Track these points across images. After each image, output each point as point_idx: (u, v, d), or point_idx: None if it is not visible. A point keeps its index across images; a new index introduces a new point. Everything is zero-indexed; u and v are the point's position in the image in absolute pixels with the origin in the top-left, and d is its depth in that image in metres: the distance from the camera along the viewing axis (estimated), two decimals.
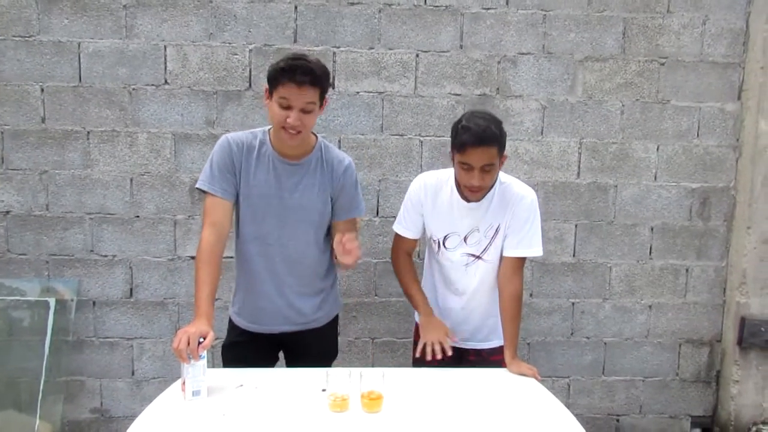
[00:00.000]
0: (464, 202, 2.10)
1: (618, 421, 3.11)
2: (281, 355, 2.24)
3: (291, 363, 2.19)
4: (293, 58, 1.85)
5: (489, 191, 2.09)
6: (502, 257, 2.15)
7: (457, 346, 2.23)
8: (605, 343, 3.05)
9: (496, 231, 2.11)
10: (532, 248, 2.12)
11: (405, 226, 2.23)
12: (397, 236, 2.27)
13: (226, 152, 1.97)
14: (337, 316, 2.26)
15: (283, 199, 1.98)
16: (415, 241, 2.25)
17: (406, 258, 2.28)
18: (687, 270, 3.03)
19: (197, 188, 1.99)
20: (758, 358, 2.97)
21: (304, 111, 1.84)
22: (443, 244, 2.16)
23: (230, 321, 2.20)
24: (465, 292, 2.20)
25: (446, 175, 2.17)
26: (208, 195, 1.97)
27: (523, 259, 2.15)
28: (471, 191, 2.01)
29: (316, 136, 2.07)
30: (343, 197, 2.05)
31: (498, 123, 1.98)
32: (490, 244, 2.13)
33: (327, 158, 2.04)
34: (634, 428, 3.12)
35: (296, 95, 1.82)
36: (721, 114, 2.95)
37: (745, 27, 2.90)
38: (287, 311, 2.07)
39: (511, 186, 2.13)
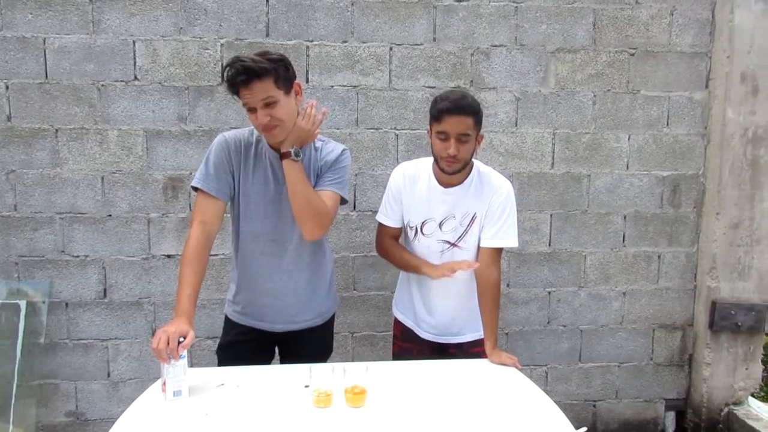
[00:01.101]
0: (441, 188, 2.12)
1: (595, 406, 3.17)
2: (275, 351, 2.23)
3: (286, 360, 2.17)
4: (230, 64, 1.80)
5: (467, 176, 2.11)
6: (479, 248, 2.16)
7: (436, 340, 2.26)
8: (581, 331, 3.10)
9: (472, 219, 2.12)
10: (508, 239, 2.14)
11: (386, 215, 2.25)
12: (381, 225, 2.29)
13: (223, 151, 1.94)
14: (334, 314, 2.25)
15: (282, 195, 1.95)
16: (399, 229, 2.26)
17: (391, 240, 2.29)
18: (659, 256, 3.09)
19: (192, 186, 1.96)
20: (729, 341, 3.05)
21: (267, 105, 1.81)
22: (421, 230, 2.17)
23: (227, 320, 2.16)
24: (441, 281, 2.18)
25: (425, 163, 2.19)
26: (200, 193, 1.94)
27: (499, 250, 2.17)
28: (447, 162, 2.00)
29: None
30: (325, 174, 2.00)
31: (475, 99, 2.01)
32: (465, 232, 2.14)
33: (321, 148, 2.02)
34: (610, 413, 3.18)
35: (249, 96, 1.80)
36: (689, 103, 3.01)
37: (711, 17, 2.96)
38: (291, 308, 2.06)
39: (489, 176, 2.15)
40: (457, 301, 2.22)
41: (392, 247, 2.28)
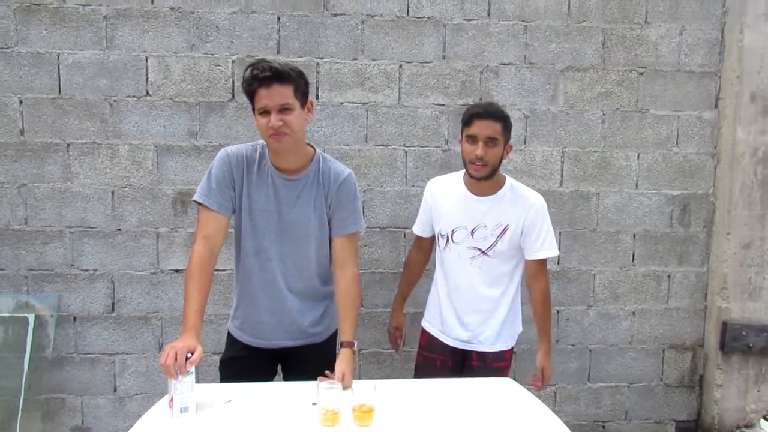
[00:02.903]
0: (473, 196, 2.20)
1: (604, 427, 3.13)
2: (278, 368, 2.22)
3: (289, 377, 2.16)
4: (253, 64, 1.83)
5: (500, 188, 2.20)
6: (514, 257, 2.25)
7: (461, 347, 2.30)
8: (590, 350, 3.07)
9: (504, 230, 2.19)
10: (552, 250, 2.26)
11: (417, 224, 2.46)
12: (415, 236, 2.51)
13: (225, 166, 1.94)
14: (336, 331, 2.22)
15: (282, 215, 1.96)
16: (428, 240, 2.44)
17: (413, 255, 2.55)
18: (669, 276, 3.07)
19: (194, 200, 1.96)
20: (740, 362, 3.01)
21: (282, 110, 1.81)
22: (452, 238, 2.24)
23: (229, 335, 2.16)
24: (470, 287, 2.25)
25: (457, 175, 2.29)
26: (203, 208, 1.93)
27: (544, 261, 2.27)
28: (475, 167, 2.11)
29: (315, 150, 2.03)
30: (339, 212, 2.01)
31: (504, 109, 2.16)
32: (496, 242, 2.20)
33: (324, 171, 2.00)
34: None
35: (267, 97, 1.79)
36: (699, 122, 3.00)
37: (720, 37, 2.96)
38: (288, 326, 2.05)
39: (521, 190, 2.24)
40: (485, 308, 2.27)
41: (409, 264, 2.58)
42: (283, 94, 1.80)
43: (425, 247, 2.50)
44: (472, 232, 2.21)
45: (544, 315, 2.33)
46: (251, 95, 1.84)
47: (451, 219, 2.25)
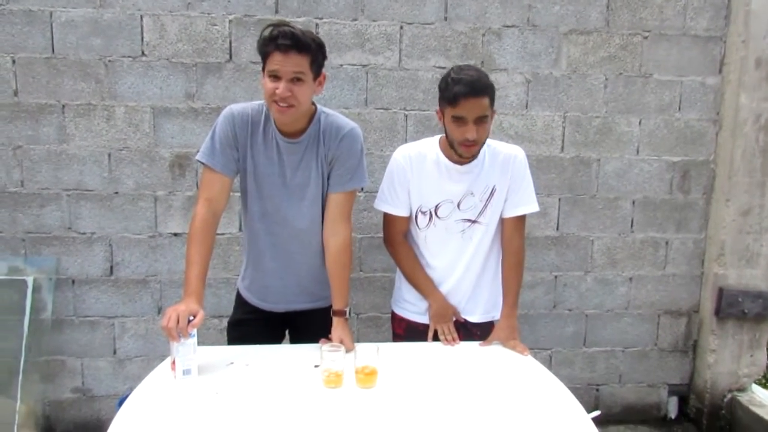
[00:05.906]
0: (456, 166, 2.05)
1: (598, 390, 3.18)
2: (286, 334, 2.22)
3: (296, 342, 2.16)
4: (276, 24, 1.75)
5: (480, 151, 2.04)
6: (501, 219, 2.13)
7: (462, 321, 2.20)
8: (587, 315, 3.10)
9: (492, 193, 2.08)
10: (530, 205, 2.13)
11: (392, 204, 2.13)
12: (388, 217, 2.18)
13: (229, 126, 1.89)
14: None
15: (286, 178, 1.93)
16: (408, 219, 2.16)
17: (402, 241, 2.20)
18: (667, 242, 3.08)
19: (197, 160, 1.93)
20: (734, 328, 3.05)
21: (294, 81, 1.75)
22: (435, 213, 2.10)
23: (238, 296, 2.16)
24: (462, 259, 2.14)
25: (428, 144, 2.12)
26: (206, 168, 1.90)
27: (523, 218, 2.15)
28: (466, 147, 1.94)
29: (316, 107, 1.96)
30: (339, 167, 1.94)
31: (486, 75, 1.94)
32: (485, 206, 2.08)
33: (326, 128, 1.93)
34: (613, 397, 3.19)
35: (282, 63, 1.73)
36: (702, 88, 2.97)
37: (727, 0, 2.91)
38: (295, 289, 2.05)
39: (499, 147, 2.10)
40: (478, 276, 2.17)
41: (405, 253, 2.20)
42: (299, 63, 1.75)
43: (405, 228, 2.19)
44: (459, 204, 2.08)
45: (511, 272, 2.14)
46: (265, 55, 1.77)
47: (433, 193, 2.08)
